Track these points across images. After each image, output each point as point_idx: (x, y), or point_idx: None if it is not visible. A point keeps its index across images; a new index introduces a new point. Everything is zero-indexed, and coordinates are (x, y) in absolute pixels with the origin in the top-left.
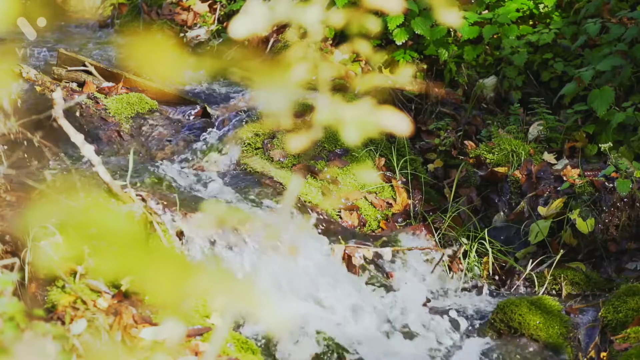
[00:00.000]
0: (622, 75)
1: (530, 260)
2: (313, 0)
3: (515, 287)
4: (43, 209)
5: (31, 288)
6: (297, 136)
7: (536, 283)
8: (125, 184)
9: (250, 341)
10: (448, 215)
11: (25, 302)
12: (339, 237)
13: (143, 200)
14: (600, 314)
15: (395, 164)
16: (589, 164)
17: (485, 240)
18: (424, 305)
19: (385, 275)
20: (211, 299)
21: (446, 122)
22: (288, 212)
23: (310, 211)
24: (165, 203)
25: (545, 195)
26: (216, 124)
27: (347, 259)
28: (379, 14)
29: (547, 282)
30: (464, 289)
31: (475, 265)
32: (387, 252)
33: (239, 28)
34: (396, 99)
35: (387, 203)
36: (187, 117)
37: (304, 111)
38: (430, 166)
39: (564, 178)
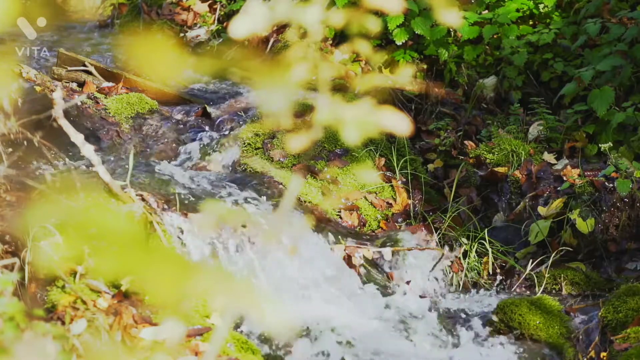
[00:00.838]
0: (622, 75)
1: (530, 260)
2: (313, 0)
3: (515, 287)
4: (43, 209)
5: (31, 288)
6: (297, 136)
7: (536, 283)
8: (125, 184)
9: (250, 341)
10: (448, 215)
11: (25, 302)
12: (339, 237)
13: (143, 200)
14: (600, 314)
15: (395, 164)
16: (589, 164)
17: (485, 240)
18: (424, 305)
19: (385, 275)
20: (211, 299)
21: (446, 122)
22: (288, 212)
23: (310, 211)
24: (165, 203)
25: (545, 195)
26: (216, 124)
27: (347, 259)
28: (379, 14)
29: (546, 282)
30: (463, 289)
31: (475, 265)
32: (387, 252)
33: (239, 28)
34: (396, 99)
35: (387, 203)
36: (187, 117)
37: (304, 111)
38: (430, 166)
39: (564, 178)
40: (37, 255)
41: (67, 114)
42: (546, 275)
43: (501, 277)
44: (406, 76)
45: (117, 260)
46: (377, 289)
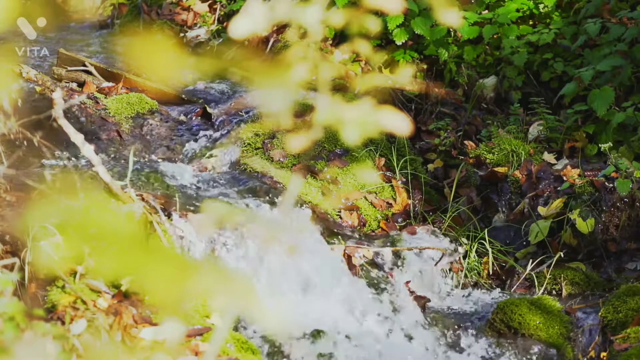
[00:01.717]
0: (622, 75)
1: (530, 260)
2: (313, 0)
3: (515, 287)
4: (43, 209)
5: (31, 288)
6: (297, 136)
7: (536, 283)
8: (125, 184)
9: (250, 341)
10: (448, 215)
11: (25, 302)
12: (339, 237)
13: (143, 200)
14: (600, 314)
15: (395, 164)
16: (589, 164)
17: (485, 240)
18: (424, 305)
19: (385, 275)
20: (211, 299)
21: (446, 122)
22: (288, 212)
23: (310, 211)
24: (165, 203)
25: (545, 195)
26: (216, 124)
27: (347, 259)
28: (379, 14)
29: (546, 282)
30: (463, 289)
31: (475, 266)
32: (387, 252)
33: (239, 28)
34: (396, 99)
35: (387, 203)
36: (187, 117)
37: (304, 111)
38: (430, 166)
39: (564, 178)
40: (37, 255)
41: (67, 114)
42: (547, 276)
43: (501, 277)
44: (406, 76)
45: (117, 260)
46: (377, 289)
